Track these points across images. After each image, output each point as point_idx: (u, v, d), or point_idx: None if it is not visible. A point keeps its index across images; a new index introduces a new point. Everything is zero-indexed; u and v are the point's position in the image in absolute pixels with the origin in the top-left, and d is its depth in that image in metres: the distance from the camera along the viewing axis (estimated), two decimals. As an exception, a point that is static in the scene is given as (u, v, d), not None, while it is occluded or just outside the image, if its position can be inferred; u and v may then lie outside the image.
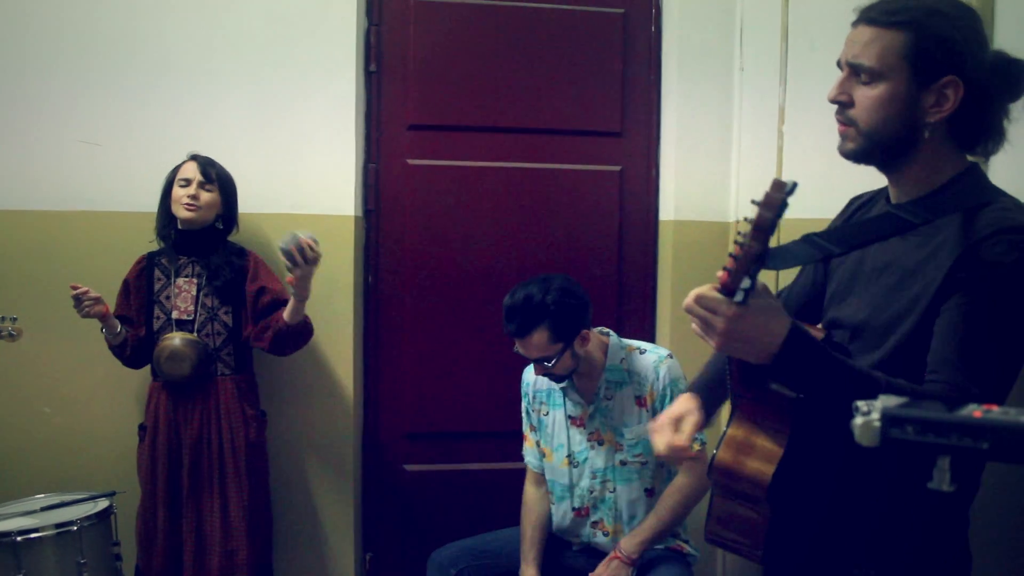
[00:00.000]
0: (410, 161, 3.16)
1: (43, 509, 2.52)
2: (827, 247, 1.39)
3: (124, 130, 2.95)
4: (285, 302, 2.67)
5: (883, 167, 1.52)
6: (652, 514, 2.52)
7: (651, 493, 2.57)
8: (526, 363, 2.70)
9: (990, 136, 1.46)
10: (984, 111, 1.43)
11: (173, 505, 2.70)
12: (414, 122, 3.15)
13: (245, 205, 2.85)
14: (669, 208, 3.20)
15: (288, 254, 2.49)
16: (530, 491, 2.74)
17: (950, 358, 1.36)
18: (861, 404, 1.00)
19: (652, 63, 3.22)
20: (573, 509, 2.63)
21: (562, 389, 2.62)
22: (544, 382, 2.67)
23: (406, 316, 3.20)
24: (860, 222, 1.49)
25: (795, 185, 1.22)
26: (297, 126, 3.00)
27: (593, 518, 2.62)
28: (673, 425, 1.68)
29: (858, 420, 0.99)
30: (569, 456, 2.62)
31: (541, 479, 2.72)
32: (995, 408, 0.97)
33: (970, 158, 1.50)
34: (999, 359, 1.36)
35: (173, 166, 2.77)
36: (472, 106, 3.16)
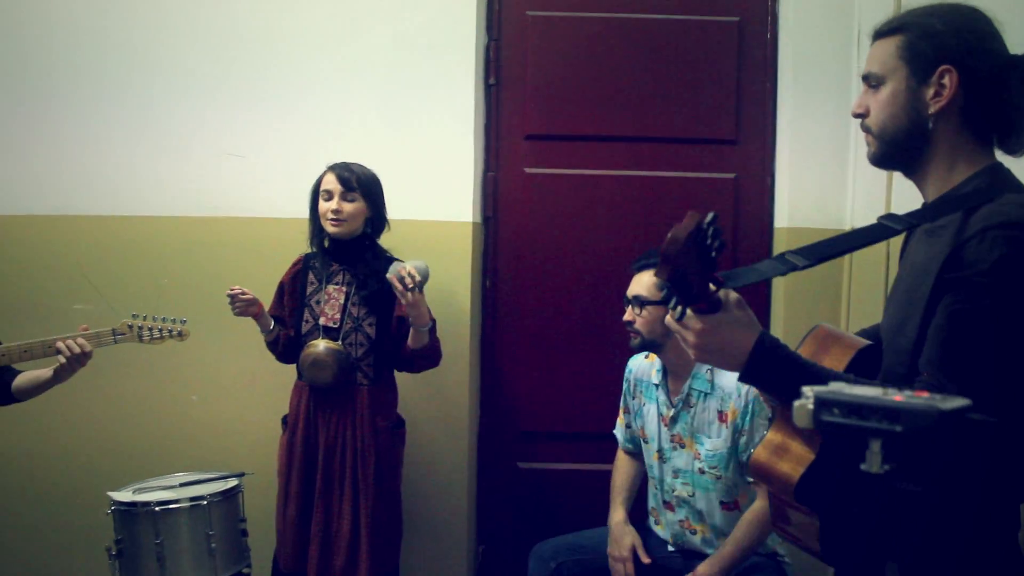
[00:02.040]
0: (527, 170, 3.29)
1: (181, 485, 2.78)
2: (793, 263, 1.44)
3: (268, 142, 3.21)
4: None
5: (905, 169, 1.58)
6: (731, 539, 2.52)
7: (728, 507, 2.58)
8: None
9: (1012, 131, 1.49)
10: (999, 105, 1.47)
11: (304, 501, 2.82)
12: (531, 132, 3.28)
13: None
14: (783, 216, 3.20)
15: (390, 283, 2.64)
16: (621, 455, 2.92)
17: (934, 358, 1.39)
18: (805, 389, 1.05)
19: (767, 71, 3.23)
20: (664, 502, 2.69)
21: (656, 385, 2.69)
22: (644, 373, 2.75)
23: (522, 319, 3.32)
24: (840, 235, 1.53)
25: (715, 217, 1.28)
26: (420, 137, 3.18)
27: (679, 516, 2.66)
28: None
29: (796, 403, 1.05)
30: (659, 451, 2.68)
31: (631, 452, 2.87)
32: (924, 394, 1.01)
33: (1007, 156, 1.52)
34: (981, 359, 1.35)
35: (309, 174, 2.91)
36: (588, 116, 3.26)
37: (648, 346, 2.62)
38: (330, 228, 2.80)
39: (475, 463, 3.34)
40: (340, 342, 2.81)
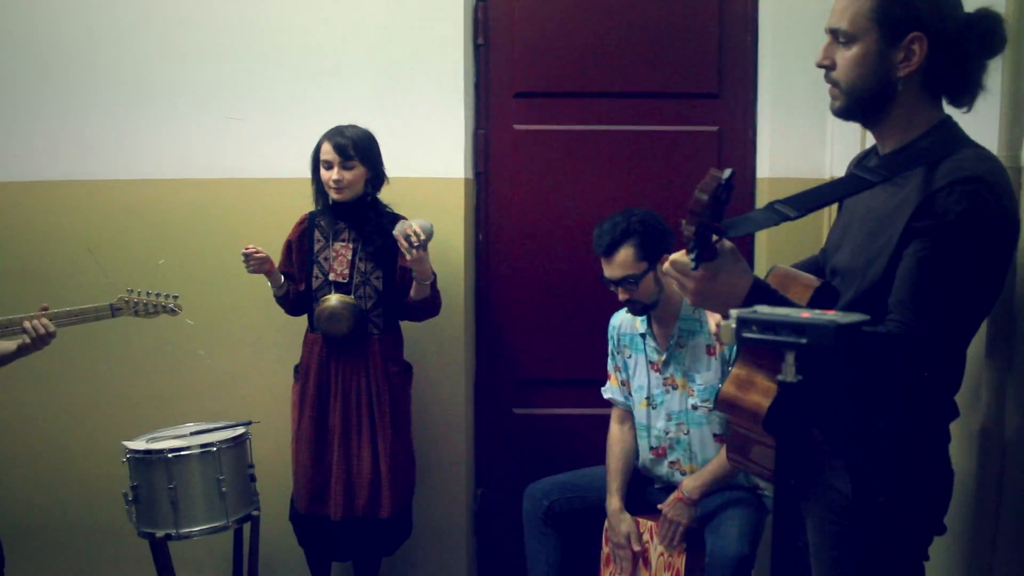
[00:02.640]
0: (516, 126, 3.40)
1: (192, 434, 2.93)
2: (784, 212, 1.56)
3: (265, 105, 3.31)
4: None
5: (866, 122, 1.71)
6: (716, 458, 2.70)
7: (722, 439, 2.73)
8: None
9: (966, 89, 1.60)
10: (957, 65, 1.57)
11: (319, 444, 2.99)
12: (520, 90, 3.39)
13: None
14: (765, 166, 3.30)
15: (396, 239, 2.80)
16: (614, 429, 2.96)
17: (904, 300, 1.52)
18: (732, 311, 1.20)
19: (748, 25, 3.31)
20: (651, 448, 2.83)
21: (642, 335, 2.82)
22: (628, 326, 2.87)
23: (515, 271, 3.45)
24: (821, 186, 1.65)
25: (732, 173, 1.41)
26: (412, 97, 3.29)
27: (671, 458, 2.81)
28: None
29: (722, 323, 1.20)
30: (648, 398, 2.81)
31: (626, 415, 2.95)
32: (829, 312, 1.16)
33: (954, 110, 1.63)
34: (947, 301, 1.50)
35: (307, 136, 3.02)
36: (574, 73, 3.36)
37: (649, 308, 2.75)
38: (334, 195, 2.95)
39: (472, 410, 3.49)
40: (351, 295, 2.96)
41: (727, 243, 1.53)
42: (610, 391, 3.00)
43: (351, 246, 2.99)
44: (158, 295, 2.85)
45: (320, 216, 3.06)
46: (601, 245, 2.69)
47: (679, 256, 1.54)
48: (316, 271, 3.02)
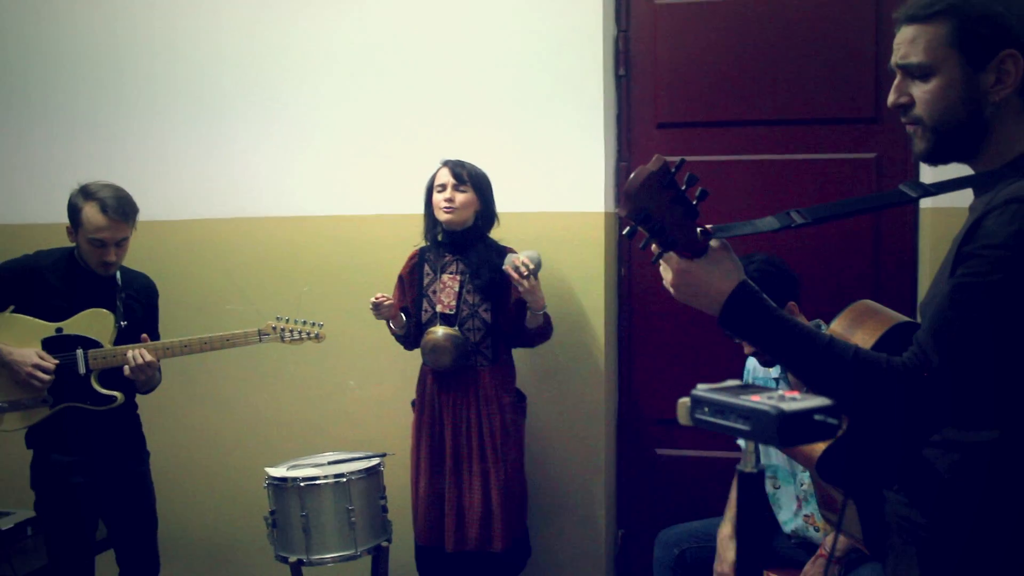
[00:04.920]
0: (660, 158, 3.30)
1: (329, 463, 3.01)
2: (792, 219, 1.42)
3: (407, 140, 3.41)
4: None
5: (963, 160, 1.49)
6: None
7: None
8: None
9: None
10: None
11: (434, 477, 3.02)
12: (663, 120, 3.30)
13: (503, 205, 3.17)
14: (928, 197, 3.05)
15: (505, 272, 2.83)
16: None
17: (927, 327, 1.33)
18: (696, 388, 1.07)
19: (910, 45, 3.08)
20: (796, 497, 2.64)
21: (775, 380, 2.65)
22: (761, 370, 2.71)
23: (660, 307, 3.33)
24: (852, 198, 1.50)
25: (682, 161, 1.29)
26: (551, 130, 3.27)
27: (805, 511, 2.62)
28: None
29: (680, 401, 1.07)
30: None
31: None
32: (793, 393, 1.01)
33: None
34: (970, 332, 1.29)
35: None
36: (720, 101, 3.24)
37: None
38: (443, 216, 2.98)
39: (613, 449, 3.41)
40: (457, 328, 2.97)
41: (714, 241, 1.40)
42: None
43: (459, 278, 3.02)
44: (304, 323, 2.95)
45: (429, 251, 3.09)
46: None
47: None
48: (425, 304, 3.07)
